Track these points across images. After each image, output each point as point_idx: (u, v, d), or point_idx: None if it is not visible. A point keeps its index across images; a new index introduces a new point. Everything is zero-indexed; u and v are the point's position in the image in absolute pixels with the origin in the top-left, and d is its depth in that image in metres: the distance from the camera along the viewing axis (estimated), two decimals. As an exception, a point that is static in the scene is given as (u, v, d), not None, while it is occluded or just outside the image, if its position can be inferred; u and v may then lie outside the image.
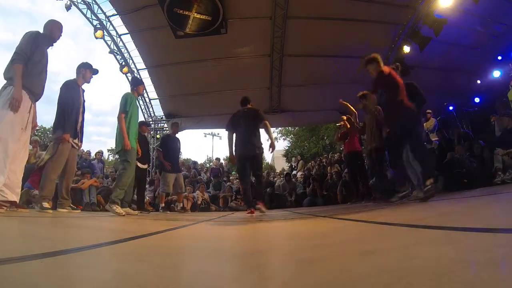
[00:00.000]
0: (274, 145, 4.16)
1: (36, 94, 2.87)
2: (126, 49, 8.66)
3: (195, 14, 6.60)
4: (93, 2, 7.59)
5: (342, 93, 6.17)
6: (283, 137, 22.34)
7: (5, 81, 2.68)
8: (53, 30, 3.07)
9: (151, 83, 8.99)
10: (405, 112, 3.23)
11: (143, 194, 6.06)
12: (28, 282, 0.57)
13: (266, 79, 8.65)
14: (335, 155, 10.22)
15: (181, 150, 6.11)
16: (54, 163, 3.41)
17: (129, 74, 9.05)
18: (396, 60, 7.38)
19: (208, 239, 1.60)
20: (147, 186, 7.63)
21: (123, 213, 3.41)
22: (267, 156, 35.63)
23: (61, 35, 3.15)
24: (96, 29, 7.75)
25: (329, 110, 9.23)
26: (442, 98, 8.89)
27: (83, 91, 3.76)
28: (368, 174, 5.44)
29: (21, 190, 3.11)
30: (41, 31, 3.03)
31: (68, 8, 7.10)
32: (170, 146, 5.75)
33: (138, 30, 7.68)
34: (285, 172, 10.13)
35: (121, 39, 8.46)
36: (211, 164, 14.36)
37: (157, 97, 9.73)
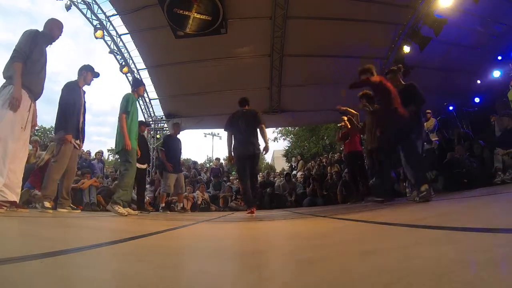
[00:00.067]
0: (268, 149, 4.25)
1: (35, 93, 2.87)
2: (126, 49, 8.66)
3: (195, 14, 6.60)
4: (93, 2, 7.59)
5: (342, 93, 6.16)
6: (283, 137, 22.33)
7: (4, 80, 2.68)
8: (53, 29, 3.06)
9: (151, 83, 8.99)
10: (398, 120, 3.29)
11: (143, 194, 6.05)
12: (28, 282, 0.57)
13: (266, 79, 8.65)
14: (335, 155, 10.22)
15: (182, 151, 6.12)
16: (57, 163, 3.43)
17: (129, 74, 9.04)
18: (396, 60, 7.40)
19: (208, 239, 1.60)
20: (147, 186, 7.64)
21: (126, 213, 3.42)
22: (267, 156, 35.64)
23: (61, 34, 3.14)
24: (96, 29, 7.75)
25: (329, 110, 9.21)
26: (442, 98, 8.89)
27: (84, 92, 3.79)
28: (368, 174, 5.44)
29: (21, 190, 3.11)
30: (41, 30, 3.02)
31: (68, 8, 7.10)
32: (171, 146, 5.77)
33: (138, 30, 7.68)
34: (285, 172, 10.13)
35: (121, 39, 8.46)
36: (211, 164, 14.36)
37: (157, 97, 9.72)
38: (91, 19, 7.73)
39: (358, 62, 8.11)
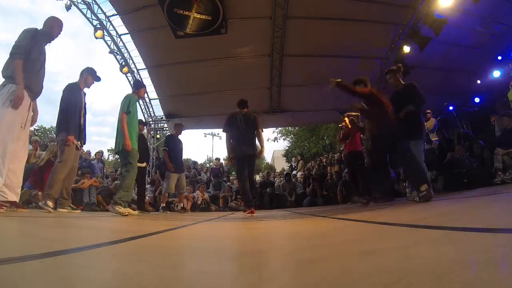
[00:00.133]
0: (263, 153, 4.41)
1: (35, 92, 2.86)
2: (126, 49, 8.66)
3: (195, 14, 6.60)
4: (93, 2, 7.59)
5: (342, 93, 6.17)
6: (283, 137, 22.33)
7: (3, 79, 2.66)
8: (53, 27, 3.04)
9: (151, 83, 8.99)
10: (390, 129, 3.46)
11: (144, 194, 6.06)
12: (28, 282, 0.57)
13: (266, 79, 8.65)
14: (335, 155, 10.22)
15: (183, 151, 6.15)
16: (62, 164, 3.46)
17: (129, 74, 9.05)
18: (396, 60, 7.40)
19: (208, 239, 1.60)
20: (147, 186, 7.63)
21: (126, 213, 3.43)
22: (267, 156, 35.69)
23: (60, 32, 3.12)
24: (96, 29, 7.75)
25: (329, 110, 9.23)
26: (442, 98, 8.88)
27: (85, 94, 3.82)
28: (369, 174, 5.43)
29: (21, 190, 3.12)
30: (40, 28, 2.99)
31: (68, 8, 7.09)
32: (173, 146, 5.79)
33: (138, 30, 7.68)
34: (285, 172, 10.13)
35: (121, 39, 8.46)
36: (211, 164, 14.36)
37: (157, 97, 9.72)
38: (91, 19, 7.73)
39: (358, 62, 8.14)
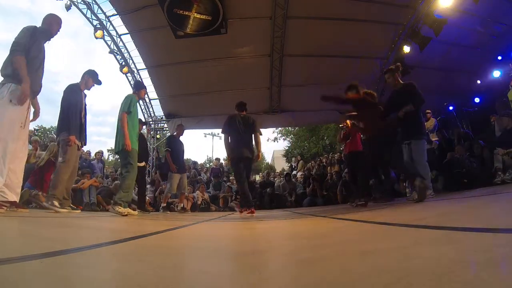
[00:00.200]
0: (259, 157, 4.44)
1: (34, 90, 2.84)
2: (126, 49, 8.67)
3: (195, 14, 6.60)
4: (93, 2, 7.59)
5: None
6: (283, 137, 22.33)
7: (2, 78, 2.64)
8: (52, 24, 3.02)
9: (151, 83, 9.00)
10: (379, 133, 3.65)
11: (144, 194, 6.06)
12: (28, 282, 0.57)
13: (266, 79, 8.65)
14: (335, 155, 10.23)
15: (184, 152, 6.16)
16: (65, 164, 3.49)
17: (129, 74, 9.05)
18: (396, 60, 7.38)
19: (208, 239, 1.60)
20: (148, 186, 7.63)
21: (126, 213, 3.43)
22: (267, 156, 35.71)
23: (59, 30, 3.10)
24: (96, 29, 7.75)
25: (329, 110, 9.22)
26: (442, 98, 8.88)
27: (85, 95, 3.84)
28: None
29: (21, 190, 3.12)
30: (39, 26, 2.97)
31: (68, 8, 7.09)
32: (175, 147, 5.81)
33: (138, 30, 7.68)
34: (285, 172, 10.13)
35: (121, 39, 8.46)
36: (211, 164, 14.36)
37: (157, 97, 9.73)
38: (91, 19, 7.74)
39: (358, 62, 8.14)
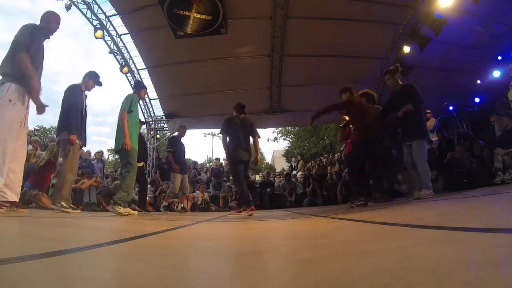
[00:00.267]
0: (258, 161, 4.51)
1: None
2: (126, 49, 8.66)
3: (195, 14, 6.60)
4: (93, 2, 7.59)
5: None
6: (283, 137, 22.33)
7: (0, 77, 2.62)
8: (50, 22, 2.98)
9: (151, 83, 9.00)
10: (369, 137, 3.75)
11: (145, 194, 6.07)
12: (28, 282, 0.57)
13: (266, 79, 8.65)
14: (335, 155, 10.22)
15: (185, 152, 6.18)
16: (68, 163, 3.50)
17: (129, 74, 9.05)
18: (396, 60, 7.39)
19: (208, 239, 1.60)
20: (148, 186, 7.63)
21: (126, 213, 3.43)
22: (267, 156, 35.70)
23: (58, 27, 3.06)
24: (96, 29, 7.75)
25: (329, 110, 9.22)
26: (442, 98, 8.88)
27: (86, 96, 3.85)
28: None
29: (21, 190, 3.12)
30: (38, 24, 2.93)
31: (68, 8, 7.09)
32: (177, 148, 5.82)
33: (138, 30, 7.68)
34: (285, 172, 10.13)
35: (121, 39, 8.46)
36: (211, 164, 14.35)
37: (157, 97, 9.73)
38: (91, 19, 7.73)
39: (358, 62, 8.14)
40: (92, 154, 8.71)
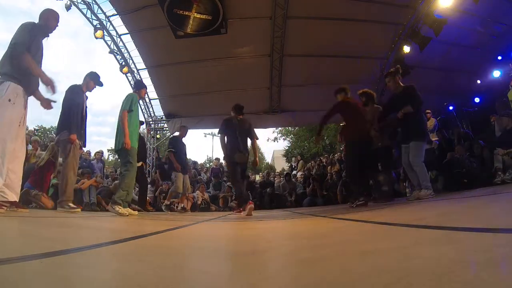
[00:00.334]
0: (257, 163, 4.57)
1: (32, 89, 2.81)
2: (126, 49, 8.66)
3: (195, 14, 6.60)
4: (93, 2, 7.59)
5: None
6: (283, 137, 22.33)
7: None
8: (49, 20, 2.96)
9: (151, 83, 8.99)
10: (362, 137, 3.87)
11: (145, 194, 6.06)
12: (28, 282, 0.57)
13: (266, 79, 8.65)
14: (335, 155, 10.22)
15: (186, 153, 6.18)
16: (69, 163, 3.50)
17: (129, 74, 9.05)
18: (396, 60, 7.40)
19: (208, 239, 1.60)
20: (148, 186, 7.62)
21: (127, 214, 3.42)
22: (267, 156, 35.71)
23: (57, 25, 3.03)
24: (96, 29, 7.74)
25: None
26: (442, 98, 8.89)
27: (86, 97, 3.85)
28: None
29: (21, 190, 3.12)
30: (37, 22, 2.92)
31: (68, 8, 7.09)
32: (178, 148, 5.82)
33: (138, 30, 7.68)
34: (285, 172, 10.12)
35: (121, 39, 8.46)
36: (211, 164, 14.35)
37: (157, 97, 9.73)
38: (91, 19, 7.73)
39: (358, 62, 8.14)
40: (92, 154, 8.71)
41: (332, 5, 6.82)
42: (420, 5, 6.50)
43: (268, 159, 35.41)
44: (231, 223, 2.86)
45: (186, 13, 6.57)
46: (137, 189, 5.94)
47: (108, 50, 8.48)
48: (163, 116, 10.19)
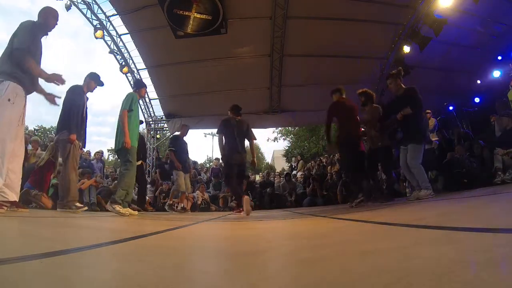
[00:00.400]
0: (255, 163, 4.63)
1: (31, 88, 2.81)
2: (126, 49, 8.66)
3: (195, 14, 6.60)
4: (93, 2, 7.59)
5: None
6: (283, 137, 22.32)
7: None
8: (48, 18, 2.95)
9: (151, 83, 8.99)
10: (354, 140, 4.00)
11: (144, 193, 6.05)
12: (28, 282, 0.57)
13: (266, 79, 8.64)
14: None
15: (188, 151, 6.18)
16: (70, 164, 3.50)
17: (129, 74, 9.05)
18: (396, 60, 7.40)
19: (208, 239, 1.60)
20: (148, 186, 7.62)
21: (127, 213, 3.42)
22: (267, 156, 35.70)
23: (56, 23, 3.02)
24: (96, 29, 7.74)
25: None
26: (442, 98, 8.89)
27: (87, 98, 3.85)
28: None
29: (21, 190, 3.12)
30: (36, 21, 2.91)
31: (68, 8, 7.09)
32: (179, 146, 5.81)
33: (138, 30, 7.68)
34: (285, 172, 10.13)
35: (121, 39, 8.46)
36: (211, 164, 14.35)
37: (157, 97, 9.73)
38: (91, 19, 7.73)
39: (358, 62, 8.14)
40: (92, 154, 8.71)
41: (332, 5, 6.82)
42: (420, 5, 6.50)
43: (268, 159, 35.43)
44: (231, 223, 2.86)
45: (186, 13, 6.57)
46: (136, 189, 5.94)
47: (108, 50, 8.47)
48: (163, 116, 10.19)
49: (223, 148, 4.24)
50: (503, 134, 5.14)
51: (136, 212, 4.12)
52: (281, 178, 9.25)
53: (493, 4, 6.41)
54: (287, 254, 0.97)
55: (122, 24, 7.76)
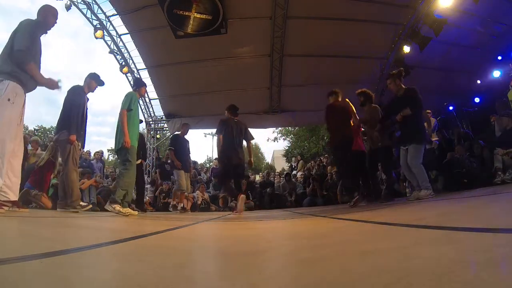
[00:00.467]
0: (252, 164, 4.71)
1: (30, 88, 2.81)
2: (126, 49, 8.66)
3: (195, 14, 6.60)
4: (93, 2, 7.59)
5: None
6: (283, 137, 22.31)
7: None
8: (47, 16, 2.95)
9: (151, 83, 8.99)
10: (348, 140, 4.04)
11: (143, 193, 6.04)
12: (28, 282, 0.57)
13: (266, 79, 8.64)
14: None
15: (190, 151, 6.18)
16: (70, 165, 3.50)
17: (129, 74, 9.05)
18: (396, 60, 7.40)
19: (208, 239, 1.60)
20: (148, 186, 7.62)
21: (127, 214, 3.41)
22: (267, 156, 35.70)
23: (56, 22, 3.02)
24: (96, 29, 7.74)
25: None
26: (442, 98, 8.88)
27: (88, 99, 3.85)
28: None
29: (21, 190, 3.12)
30: (36, 19, 2.91)
31: (68, 8, 7.09)
32: (180, 145, 5.81)
33: (138, 30, 7.68)
34: (285, 172, 10.12)
35: (121, 39, 8.46)
36: (211, 164, 14.36)
37: (157, 97, 9.73)
38: (91, 19, 7.73)
39: (358, 62, 8.14)
40: (92, 154, 8.71)
41: (332, 5, 6.82)
42: (420, 5, 6.50)
43: (268, 159, 35.42)
44: (231, 223, 2.86)
45: (186, 13, 6.57)
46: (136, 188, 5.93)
47: (108, 50, 8.48)
48: (163, 116, 10.19)
49: (220, 149, 4.27)
50: (503, 134, 5.15)
51: (136, 212, 4.11)
52: (281, 178, 9.25)
53: (493, 4, 6.41)
54: (287, 254, 0.97)
55: (122, 24, 7.77)
